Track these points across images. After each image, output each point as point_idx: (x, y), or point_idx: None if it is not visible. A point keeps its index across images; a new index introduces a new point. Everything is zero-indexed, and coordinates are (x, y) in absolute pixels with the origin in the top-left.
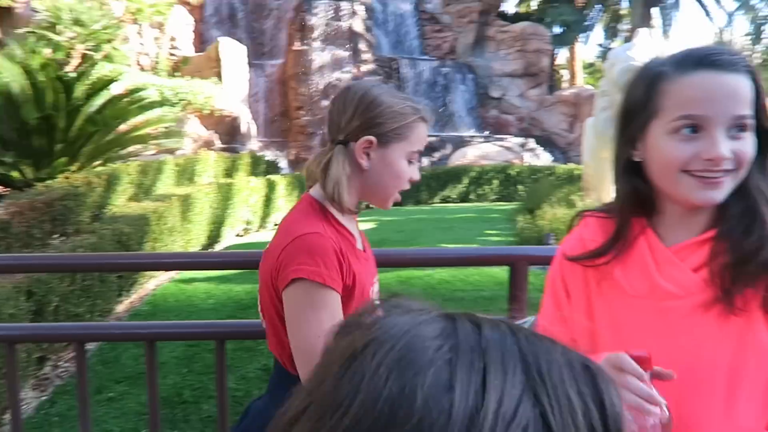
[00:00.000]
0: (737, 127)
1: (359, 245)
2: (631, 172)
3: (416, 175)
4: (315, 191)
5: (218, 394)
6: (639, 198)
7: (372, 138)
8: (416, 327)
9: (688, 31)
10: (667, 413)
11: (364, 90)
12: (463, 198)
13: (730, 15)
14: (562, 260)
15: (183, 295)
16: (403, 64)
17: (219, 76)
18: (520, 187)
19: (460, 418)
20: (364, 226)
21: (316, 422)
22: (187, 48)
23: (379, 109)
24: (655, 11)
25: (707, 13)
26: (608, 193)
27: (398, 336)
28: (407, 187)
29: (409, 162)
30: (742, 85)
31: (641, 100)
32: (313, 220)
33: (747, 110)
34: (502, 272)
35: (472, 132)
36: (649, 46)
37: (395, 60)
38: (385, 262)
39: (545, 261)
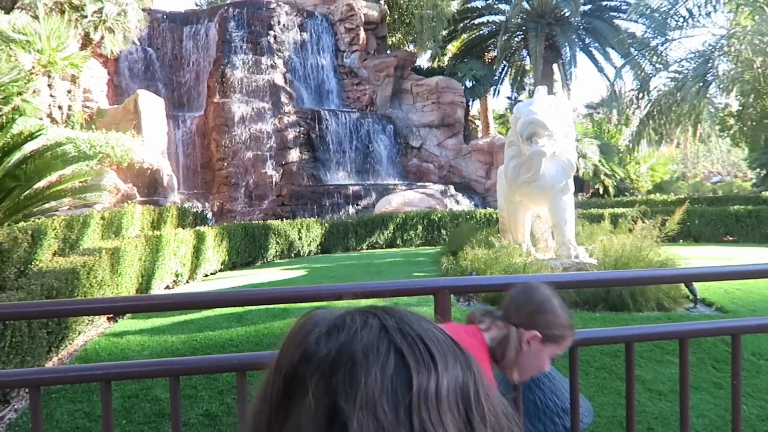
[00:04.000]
0: None
1: None
2: None
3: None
4: (488, 337)
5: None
6: None
7: (540, 335)
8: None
9: (585, 84)
10: None
11: (546, 296)
12: (390, 243)
13: (618, 70)
14: None
15: (116, 348)
16: (325, 115)
17: (137, 128)
18: (443, 231)
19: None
20: (296, 273)
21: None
22: (101, 100)
23: (553, 317)
24: (555, 67)
25: (599, 69)
26: (521, 234)
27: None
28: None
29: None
30: None
31: None
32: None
33: None
34: (429, 309)
35: (395, 180)
36: (547, 100)
37: (317, 112)
38: (321, 297)
39: (465, 290)
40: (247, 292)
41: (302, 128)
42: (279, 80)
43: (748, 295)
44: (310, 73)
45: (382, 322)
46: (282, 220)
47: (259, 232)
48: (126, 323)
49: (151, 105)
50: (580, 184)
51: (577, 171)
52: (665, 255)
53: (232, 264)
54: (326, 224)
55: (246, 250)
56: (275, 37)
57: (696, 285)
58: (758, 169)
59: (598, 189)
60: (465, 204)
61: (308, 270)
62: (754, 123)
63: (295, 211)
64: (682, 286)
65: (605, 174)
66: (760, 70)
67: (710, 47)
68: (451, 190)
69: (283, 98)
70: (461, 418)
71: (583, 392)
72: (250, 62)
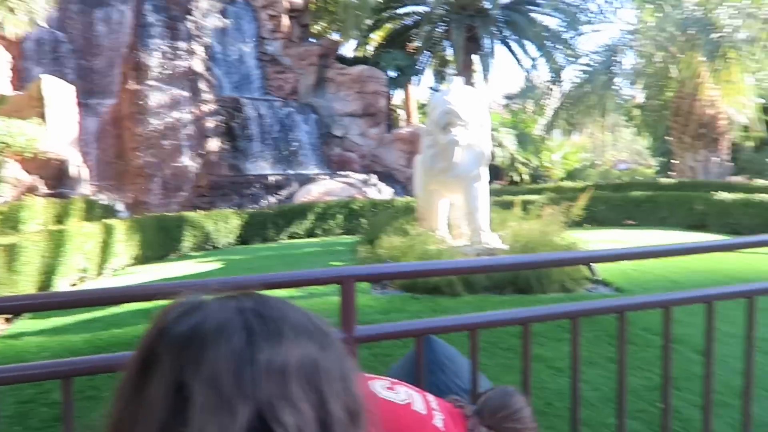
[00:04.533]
0: None
1: None
2: None
3: None
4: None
5: None
6: None
7: None
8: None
9: (504, 75)
10: None
11: (521, 407)
12: (310, 233)
13: (534, 61)
14: None
15: (11, 351)
16: (246, 104)
17: (42, 116)
18: (362, 220)
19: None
20: (212, 266)
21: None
22: (3, 86)
23: (522, 427)
24: (475, 58)
25: (517, 60)
26: (437, 222)
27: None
28: None
29: None
30: None
31: None
32: None
33: None
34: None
35: (317, 169)
36: (463, 91)
37: (238, 100)
38: (227, 288)
39: (371, 279)
40: (154, 286)
41: (222, 117)
42: (198, 67)
43: (643, 275)
44: (232, 61)
45: (240, 303)
46: (197, 211)
47: (173, 225)
48: (24, 324)
49: (59, 91)
50: (497, 173)
51: (494, 159)
52: (570, 239)
53: (144, 258)
54: (244, 215)
55: (159, 243)
56: (195, 22)
57: (596, 267)
58: (659, 157)
59: (513, 177)
60: (387, 193)
61: (225, 262)
62: (655, 114)
63: (214, 202)
64: (584, 268)
65: (521, 162)
66: (661, 65)
67: (616, 42)
68: (373, 179)
69: (203, 86)
70: (312, 391)
71: (490, 373)
72: (168, 48)
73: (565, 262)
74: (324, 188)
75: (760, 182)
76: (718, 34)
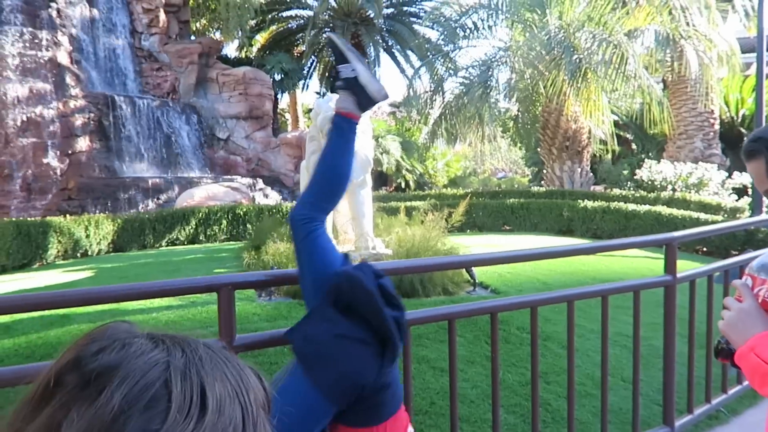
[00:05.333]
0: None
1: None
2: None
3: None
4: None
5: None
6: None
7: None
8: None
9: (389, 83)
10: None
11: None
12: (192, 240)
13: (416, 71)
14: None
15: None
16: (120, 101)
17: None
18: (249, 225)
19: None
20: (80, 275)
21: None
22: None
23: None
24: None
25: (401, 70)
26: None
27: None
28: None
29: None
30: None
31: None
32: None
33: None
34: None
35: (200, 173)
36: None
37: (110, 97)
38: (91, 300)
39: (249, 286)
40: (8, 298)
41: (93, 114)
42: (63, 59)
43: (517, 278)
44: (102, 54)
45: (170, 356)
46: (65, 216)
47: (36, 230)
48: None
49: None
50: (384, 179)
51: (381, 166)
52: (450, 244)
53: (1, 267)
54: (119, 220)
55: (19, 251)
56: (58, 10)
57: (475, 270)
58: (532, 167)
59: (400, 183)
60: (274, 198)
61: (96, 271)
62: (528, 126)
63: (84, 206)
64: (464, 272)
65: (406, 169)
66: (530, 81)
67: (491, 57)
68: (260, 183)
69: (69, 80)
70: None
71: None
72: (27, 36)
73: (445, 266)
74: (207, 192)
75: (616, 191)
76: (578, 56)
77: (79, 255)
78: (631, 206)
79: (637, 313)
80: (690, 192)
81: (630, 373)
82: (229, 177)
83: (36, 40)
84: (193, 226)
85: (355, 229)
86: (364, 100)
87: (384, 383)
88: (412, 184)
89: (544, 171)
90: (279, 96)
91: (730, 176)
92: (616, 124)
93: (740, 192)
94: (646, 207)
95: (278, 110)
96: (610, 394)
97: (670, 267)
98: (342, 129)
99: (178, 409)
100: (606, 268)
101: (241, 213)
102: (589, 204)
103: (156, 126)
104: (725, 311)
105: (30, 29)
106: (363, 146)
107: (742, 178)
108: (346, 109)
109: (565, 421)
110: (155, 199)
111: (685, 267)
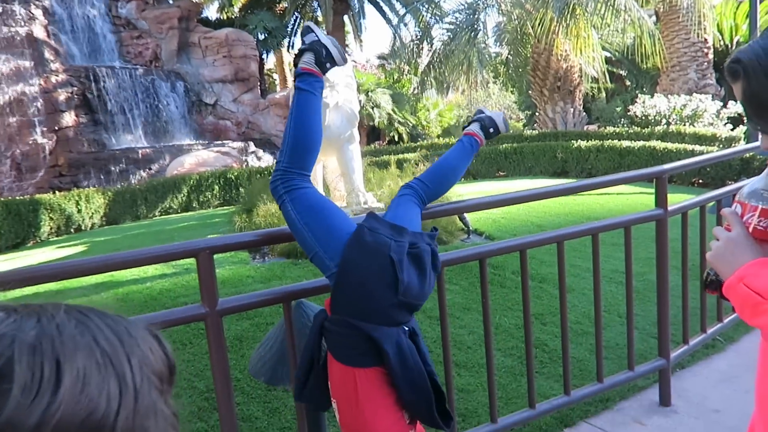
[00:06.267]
0: None
1: None
2: None
3: None
4: None
5: None
6: None
7: None
8: None
9: (376, 35)
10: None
11: None
12: (186, 207)
13: (401, 18)
14: None
15: None
16: (102, 73)
17: None
18: (241, 189)
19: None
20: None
21: None
22: None
23: None
24: (346, 18)
25: (387, 20)
26: (316, 183)
27: None
28: None
29: None
30: None
31: None
32: None
33: None
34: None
35: (190, 140)
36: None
37: (92, 69)
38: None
39: (228, 248)
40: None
41: (75, 88)
42: (40, 33)
43: (511, 223)
44: (79, 26)
45: (18, 329)
46: (55, 193)
47: (26, 209)
48: None
49: None
50: (377, 133)
51: (373, 120)
52: None
53: None
54: (109, 193)
55: (11, 230)
56: None
57: (468, 218)
58: (526, 111)
59: (393, 137)
60: (267, 160)
61: (89, 245)
62: (519, 69)
63: (77, 181)
64: (457, 220)
65: (399, 122)
66: (517, 21)
67: (476, 0)
68: (252, 146)
69: (48, 54)
70: None
71: None
72: (0, 11)
73: (437, 214)
74: (197, 159)
75: (610, 129)
76: None
77: (72, 230)
78: (626, 143)
79: (629, 249)
80: (685, 125)
81: (626, 309)
82: (219, 142)
83: (10, 15)
84: (185, 194)
85: (346, 184)
86: (326, 58)
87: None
88: (405, 136)
89: (537, 113)
90: (264, 56)
91: (725, 106)
92: (608, 60)
93: (736, 121)
94: (641, 143)
95: (265, 71)
96: (606, 330)
97: (661, 200)
98: (307, 84)
99: (22, 391)
100: (601, 207)
101: (233, 177)
102: (583, 144)
103: (142, 95)
104: (713, 242)
105: (3, 4)
106: (348, 100)
107: (737, 107)
108: (308, 65)
109: (562, 360)
110: (147, 170)
111: (680, 200)
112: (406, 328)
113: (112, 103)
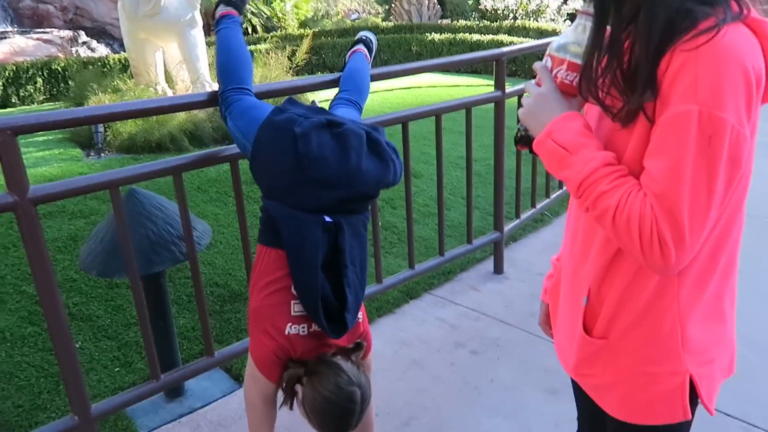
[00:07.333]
0: None
1: None
2: None
3: None
4: None
5: None
6: None
7: None
8: None
9: None
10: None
11: None
12: (4, 103)
13: None
14: None
15: None
16: None
17: None
18: (71, 83)
19: None
20: None
21: None
22: None
23: None
24: None
25: None
26: (154, 75)
27: None
28: None
29: None
30: None
31: None
32: None
33: None
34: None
35: (3, 27)
36: None
37: None
38: None
39: (34, 129)
40: None
41: None
42: None
43: (365, 113)
44: None
45: None
46: None
47: None
48: None
49: None
50: None
51: None
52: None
53: None
54: None
55: None
56: None
57: (318, 102)
58: (383, 4)
59: (246, 28)
60: (102, 51)
61: None
62: None
63: None
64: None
65: (252, 12)
66: None
67: None
68: (83, 36)
69: None
70: None
71: (207, 216)
72: None
73: (277, 93)
74: (11, 47)
75: (462, 23)
76: None
77: None
78: (476, 36)
79: (470, 129)
80: (530, 20)
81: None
82: (42, 30)
83: None
84: (1, 87)
85: (190, 73)
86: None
87: None
88: (259, 28)
89: (393, 5)
90: None
91: (565, 2)
92: None
93: (574, 17)
94: (490, 36)
95: None
96: (451, 211)
97: (499, 83)
98: (227, 23)
99: None
100: (450, 97)
101: (59, 69)
102: (437, 37)
103: None
104: (524, 98)
105: None
106: None
107: (575, 3)
108: (225, 9)
109: (407, 237)
110: None
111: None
112: (329, 220)
113: None
